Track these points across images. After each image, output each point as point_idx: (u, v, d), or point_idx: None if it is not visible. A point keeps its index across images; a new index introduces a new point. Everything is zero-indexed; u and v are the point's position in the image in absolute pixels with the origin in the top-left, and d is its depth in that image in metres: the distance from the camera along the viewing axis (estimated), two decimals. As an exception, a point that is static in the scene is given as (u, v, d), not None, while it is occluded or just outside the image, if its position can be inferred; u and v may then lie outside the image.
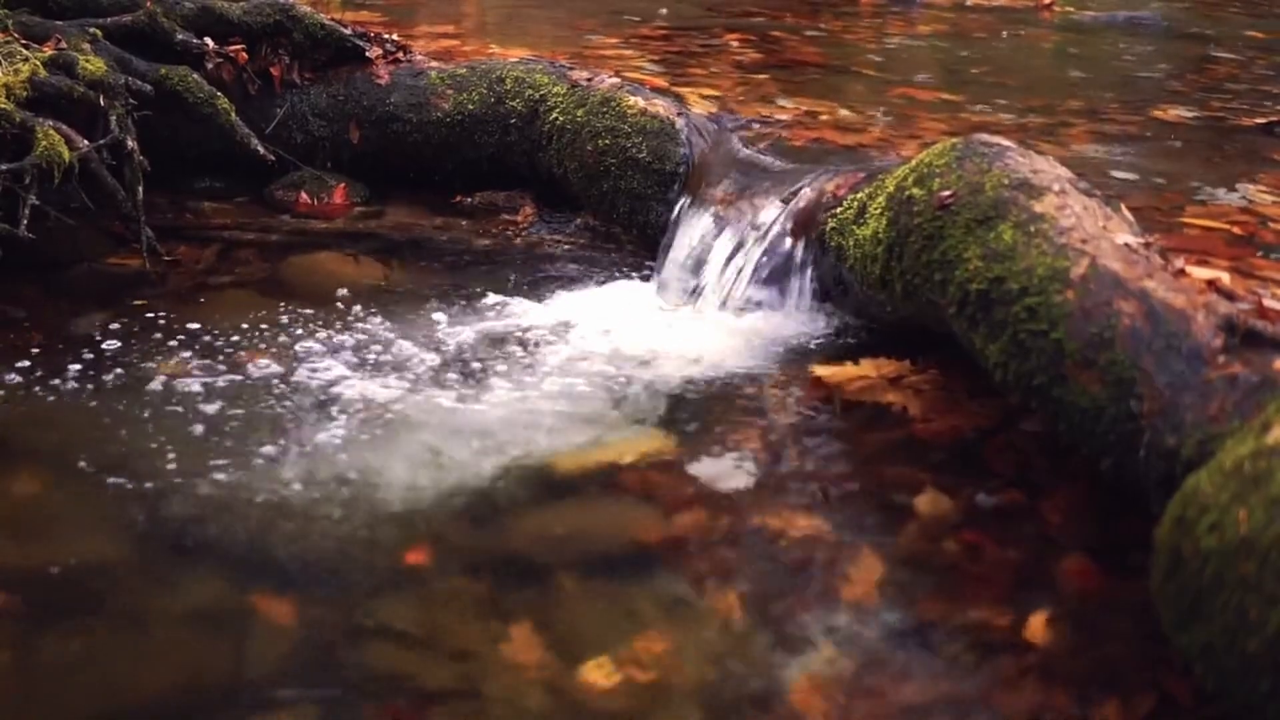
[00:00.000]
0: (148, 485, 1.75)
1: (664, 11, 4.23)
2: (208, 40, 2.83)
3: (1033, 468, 1.83)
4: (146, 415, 1.93)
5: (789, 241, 2.34)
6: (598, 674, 1.42)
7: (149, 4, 2.78)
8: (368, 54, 2.94)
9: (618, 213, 2.69)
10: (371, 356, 2.16)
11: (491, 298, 2.43)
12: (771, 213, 2.39)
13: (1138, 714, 1.35)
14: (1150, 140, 3.04)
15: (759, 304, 2.36)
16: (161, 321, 2.26)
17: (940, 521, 1.71)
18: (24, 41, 2.58)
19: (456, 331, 2.27)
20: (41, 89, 2.46)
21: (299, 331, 2.24)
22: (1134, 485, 1.54)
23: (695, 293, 2.42)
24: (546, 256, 2.67)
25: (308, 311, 2.33)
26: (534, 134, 2.83)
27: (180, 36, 2.79)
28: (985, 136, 2.03)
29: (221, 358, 2.14)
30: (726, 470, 1.85)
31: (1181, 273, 1.64)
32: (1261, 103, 3.55)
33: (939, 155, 2.00)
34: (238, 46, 2.85)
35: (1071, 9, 5.42)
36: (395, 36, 3.09)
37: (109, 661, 1.44)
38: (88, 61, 2.55)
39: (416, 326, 2.29)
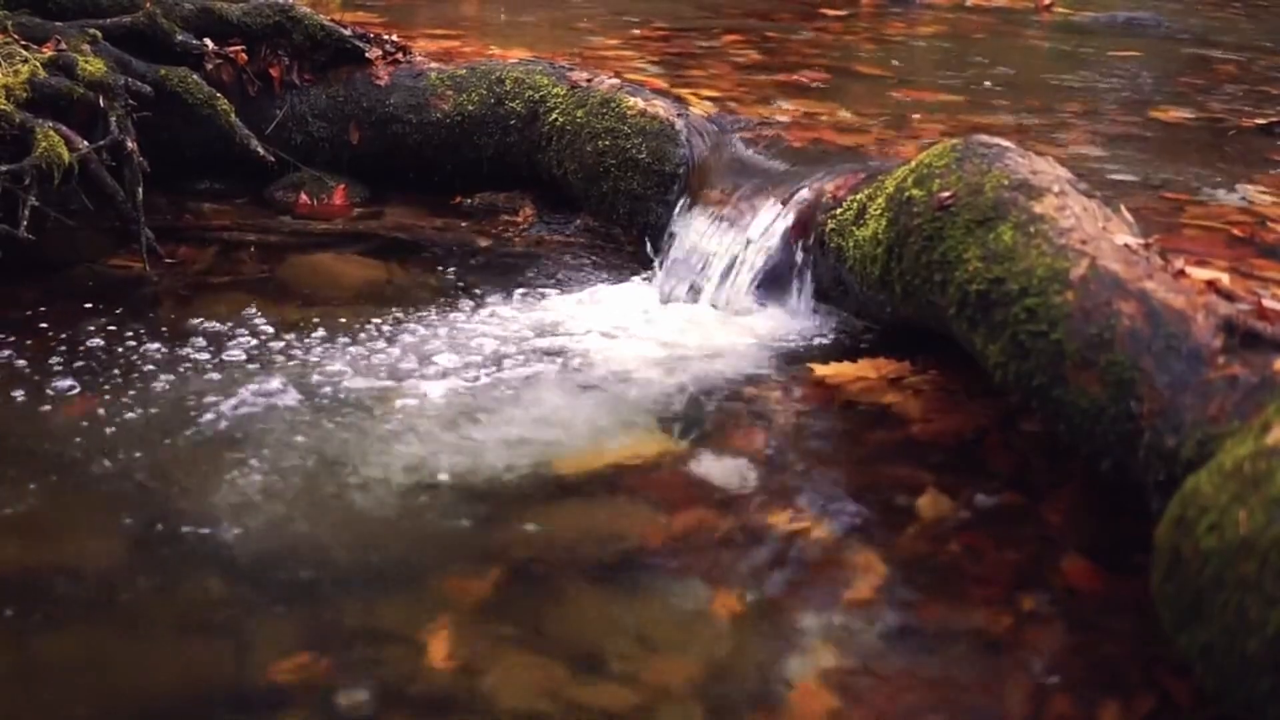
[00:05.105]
0: (148, 486, 1.75)
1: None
2: (207, 41, 2.83)
3: (1032, 468, 1.83)
4: (146, 416, 1.93)
5: (788, 242, 2.34)
6: (598, 675, 1.42)
7: (149, 5, 2.79)
8: (367, 55, 2.95)
9: (617, 213, 2.69)
10: (370, 357, 2.16)
11: (491, 299, 2.43)
12: (771, 214, 2.39)
13: (1138, 714, 1.35)
14: (1150, 141, 3.04)
15: (759, 305, 2.36)
16: (162, 322, 2.26)
17: (940, 522, 1.71)
18: (24, 42, 2.58)
19: (455, 332, 2.27)
20: (41, 90, 2.46)
21: (298, 332, 2.24)
22: (1134, 486, 1.54)
23: (695, 293, 2.42)
24: (546, 257, 2.67)
25: (307, 312, 2.33)
26: (534, 135, 2.83)
27: (180, 37, 2.79)
28: (985, 137, 2.03)
29: (221, 359, 2.14)
30: (727, 470, 1.85)
31: (1181, 273, 1.64)
32: (1261, 103, 3.55)
33: (938, 156, 2.00)
34: (237, 47, 2.85)
35: (1071, 9, 5.43)
36: (395, 37, 3.09)
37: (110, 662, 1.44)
38: (87, 62, 2.55)
39: (415, 327, 2.29)
